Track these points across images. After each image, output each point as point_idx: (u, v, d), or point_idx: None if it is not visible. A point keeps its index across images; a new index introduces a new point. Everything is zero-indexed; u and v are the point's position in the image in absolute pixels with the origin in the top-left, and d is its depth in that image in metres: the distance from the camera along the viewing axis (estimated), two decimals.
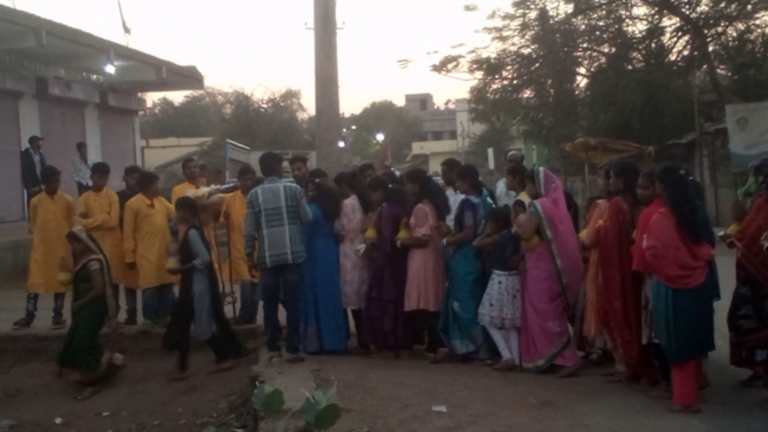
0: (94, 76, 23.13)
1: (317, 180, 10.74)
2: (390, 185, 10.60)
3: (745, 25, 27.19)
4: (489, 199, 10.08)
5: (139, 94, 27.39)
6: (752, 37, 27.14)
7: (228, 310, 11.35)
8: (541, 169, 9.57)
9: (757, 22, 27.13)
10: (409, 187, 10.17)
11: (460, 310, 9.57)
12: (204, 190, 11.70)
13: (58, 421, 9.62)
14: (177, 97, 67.21)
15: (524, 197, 9.60)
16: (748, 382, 8.36)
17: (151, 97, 51.31)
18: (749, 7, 26.35)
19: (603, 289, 8.55)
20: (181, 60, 41.70)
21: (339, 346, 10.10)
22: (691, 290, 7.47)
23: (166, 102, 67.79)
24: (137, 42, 74.94)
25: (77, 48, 20.25)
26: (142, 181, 11.78)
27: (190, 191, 11.62)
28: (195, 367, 10.49)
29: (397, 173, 14.50)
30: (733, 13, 26.57)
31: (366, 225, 10.15)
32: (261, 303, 10.20)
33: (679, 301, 7.46)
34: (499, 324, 9.33)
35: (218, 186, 12.04)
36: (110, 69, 21.42)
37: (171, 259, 10.45)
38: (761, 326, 8.11)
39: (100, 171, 12.05)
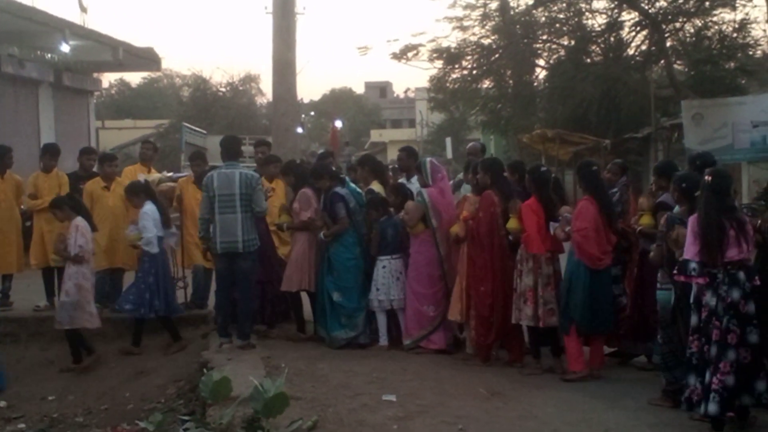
0: (49, 55, 22.67)
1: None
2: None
3: (702, 22, 27.40)
4: (353, 185, 10.39)
5: (95, 75, 26.91)
6: (709, 33, 27.36)
7: (180, 295, 11.25)
8: (428, 159, 10.15)
9: (715, 18, 27.34)
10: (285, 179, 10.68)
11: (343, 299, 9.82)
12: (155, 176, 11.58)
13: (2, 404, 9.46)
14: (134, 78, 66.54)
15: (376, 186, 10.33)
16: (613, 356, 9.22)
17: (108, 78, 50.66)
18: (707, 3, 26.54)
19: (470, 275, 9.11)
20: (138, 41, 41.16)
21: None
22: (603, 271, 8.49)
23: (123, 83, 67.04)
24: (94, 21, 74.23)
25: (32, 26, 19.84)
26: (98, 161, 11.74)
27: (141, 174, 11.52)
28: (144, 352, 10.39)
29: (353, 159, 14.48)
30: (691, 10, 26.76)
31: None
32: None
33: (596, 280, 8.40)
34: (387, 306, 9.74)
35: (170, 174, 11.89)
36: (65, 48, 21.01)
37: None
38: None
39: (50, 152, 11.86)
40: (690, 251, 6.79)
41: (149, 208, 10.19)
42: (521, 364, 8.98)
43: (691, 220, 6.88)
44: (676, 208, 7.57)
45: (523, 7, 29.34)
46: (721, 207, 6.78)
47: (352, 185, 10.36)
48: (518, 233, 8.79)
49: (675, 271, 6.91)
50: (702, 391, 6.73)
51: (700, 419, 6.87)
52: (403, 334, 9.71)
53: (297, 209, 10.06)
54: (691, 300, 6.96)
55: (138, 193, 10.41)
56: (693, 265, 6.74)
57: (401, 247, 9.85)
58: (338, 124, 56.09)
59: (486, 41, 30.01)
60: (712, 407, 6.60)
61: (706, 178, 6.90)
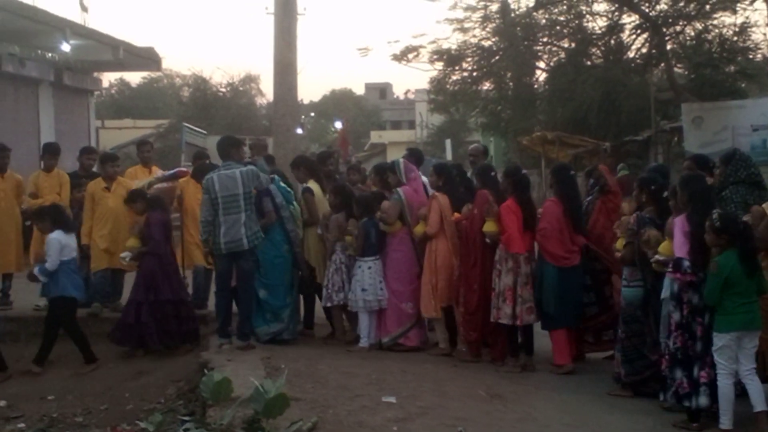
0: (50, 54, 22.69)
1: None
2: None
3: (702, 25, 27.41)
4: (282, 184, 10.40)
5: (96, 74, 26.92)
6: (709, 37, 27.37)
7: None
8: (401, 160, 10.37)
9: (715, 22, 27.37)
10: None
11: (269, 296, 9.87)
12: (143, 181, 11.57)
13: (1, 403, 9.44)
14: (134, 78, 66.37)
15: (313, 185, 10.51)
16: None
17: (108, 78, 50.59)
18: (707, 7, 26.57)
19: (463, 274, 9.36)
20: (139, 41, 41.12)
21: None
22: (571, 268, 8.85)
23: (122, 83, 66.89)
24: (95, 21, 74.18)
25: (32, 25, 19.85)
26: (99, 161, 11.72)
27: (136, 181, 11.52)
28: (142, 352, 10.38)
29: (353, 160, 14.47)
30: (692, 13, 26.78)
31: (131, 234, 10.43)
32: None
33: (564, 277, 8.81)
34: (375, 307, 9.82)
35: (160, 175, 11.84)
36: (66, 47, 21.04)
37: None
38: (603, 310, 9.23)
39: (51, 152, 11.86)
40: (683, 250, 6.98)
41: None
42: (502, 363, 9.17)
43: (680, 221, 7.04)
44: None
45: (524, 9, 29.38)
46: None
47: (282, 185, 10.34)
48: (495, 236, 9.02)
49: (670, 268, 7.08)
50: (689, 385, 6.94)
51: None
52: (379, 331, 9.86)
53: None
54: (665, 296, 7.30)
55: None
56: (687, 263, 6.94)
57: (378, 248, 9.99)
58: (338, 124, 56.13)
59: (486, 43, 30.04)
60: (703, 400, 6.87)
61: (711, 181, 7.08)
